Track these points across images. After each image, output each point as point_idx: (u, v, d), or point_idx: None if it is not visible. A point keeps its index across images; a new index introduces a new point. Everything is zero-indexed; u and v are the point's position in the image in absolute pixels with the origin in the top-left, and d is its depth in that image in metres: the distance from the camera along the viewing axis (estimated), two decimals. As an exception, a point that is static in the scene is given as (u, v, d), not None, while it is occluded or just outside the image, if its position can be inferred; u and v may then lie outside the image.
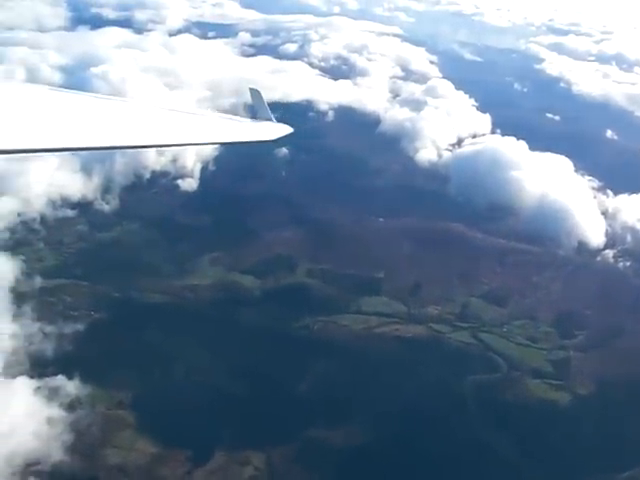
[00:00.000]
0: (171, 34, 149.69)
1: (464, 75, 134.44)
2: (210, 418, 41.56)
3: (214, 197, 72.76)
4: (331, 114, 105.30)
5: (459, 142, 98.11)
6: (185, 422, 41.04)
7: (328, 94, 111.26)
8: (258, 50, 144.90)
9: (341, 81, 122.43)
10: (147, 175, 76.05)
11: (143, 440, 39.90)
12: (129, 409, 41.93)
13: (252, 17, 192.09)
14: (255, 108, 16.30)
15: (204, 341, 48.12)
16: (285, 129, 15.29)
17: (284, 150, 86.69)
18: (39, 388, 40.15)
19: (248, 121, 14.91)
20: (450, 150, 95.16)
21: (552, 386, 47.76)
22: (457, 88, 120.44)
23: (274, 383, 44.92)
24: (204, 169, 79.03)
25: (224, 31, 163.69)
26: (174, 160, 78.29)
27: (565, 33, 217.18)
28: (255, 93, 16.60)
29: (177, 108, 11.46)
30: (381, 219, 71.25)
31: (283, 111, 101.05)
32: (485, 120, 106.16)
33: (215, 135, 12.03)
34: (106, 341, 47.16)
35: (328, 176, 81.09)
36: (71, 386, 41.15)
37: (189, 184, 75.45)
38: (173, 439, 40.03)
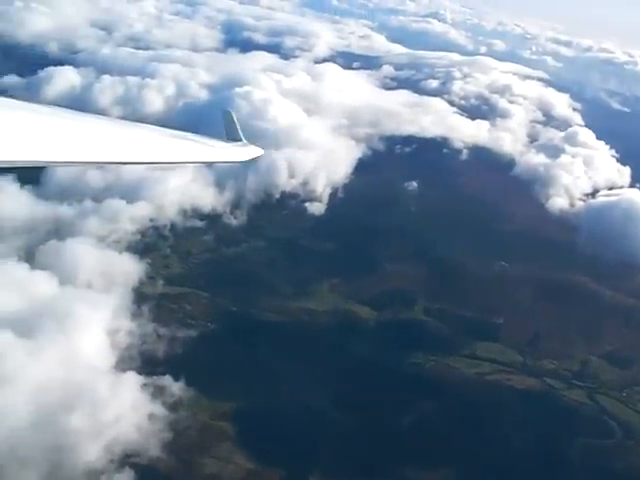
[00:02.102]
0: (316, 62, 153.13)
1: (608, 124, 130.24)
2: (309, 442, 41.60)
3: (340, 224, 73.15)
4: (465, 153, 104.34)
5: (594, 193, 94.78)
6: (284, 442, 41.17)
7: (464, 133, 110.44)
8: (399, 84, 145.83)
9: (479, 121, 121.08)
10: (277, 195, 77.76)
11: (241, 454, 40.32)
12: (231, 421, 42.57)
13: (397, 51, 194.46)
14: (227, 129, 16.14)
15: (314, 365, 48.36)
16: (256, 151, 15.10)
17: (414, 184, 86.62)
18: (145, 385, 41.49)
19: (221, 142, 14.72)
20: (584, 200, 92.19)
21: (670, 460, 44.84)
22: (599, 137, 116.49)
23: (377, 416, 44.50)
24: (333, 195, 79.94)
25: (368, 63, 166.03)
26: (304, 183, 79.73)
27: None
28: (226, 114, 16.53)
29: (150, 126, 11.32)
30: (505, 264, 69.56)
31: (417, 145, 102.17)
32: (625, 173, 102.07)
33: (186, 155, 11.88)
34: (217, 351, 48.28)
35: (456, 215, 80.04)
36: (176, 387, 42.33)
37: (317, 208, 76.46)
38: (270, 457, 40.23)
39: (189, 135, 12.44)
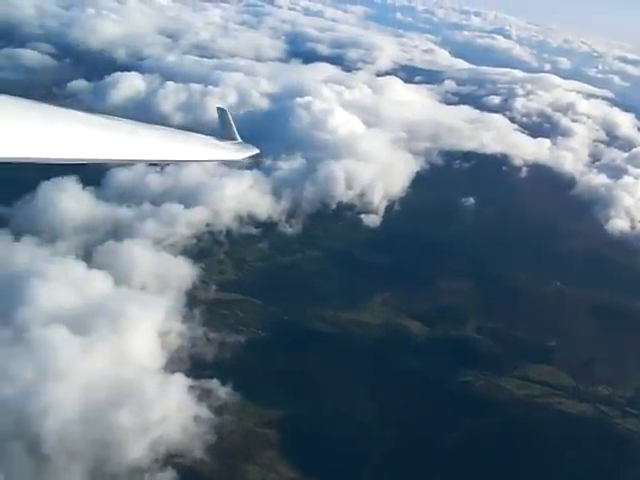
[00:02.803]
0: (378, 74, 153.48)
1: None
2: (352, 454, 41.31)
3: (395, 237, 72.91)
4: (525, 171, 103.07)
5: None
6: (327, 453, 40.97)
7: (525, 150, 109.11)
8: (461, 99, 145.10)
9: (540, 139, 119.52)
10: (333, 205, 77.95)
11: (284, 463, 40.22)
12: (276, 429, 42.59)
13: (460, 66, 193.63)
14: (221, 128, 15.87)
15: (361, 378, 48.15)
16: (251, 150, 14.74)
17: (471, 200, 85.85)
18: (192, 387, 41.88)
19: (216, 141, 14.38)
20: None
21: None
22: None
23: (424, 432, 44.00)
24: (389, 208, 79.74)
25: (430, 77, 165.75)
26: (361, 195, 79.79)
27: None
28: (221, 112, 16.26)
29: (145, 124, 11.16)
30: (561, 284, 68.33)
31: (476, 161, 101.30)
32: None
33: (181, 153, 11.67)
34: (266, 359, 48.49)
35: (513, 232, 79.00)
36: (223, 392, 42.69)
37: (373, 220, 76.30)
38: (313, 468, 40.01)
39: (184, 133, 12.35)
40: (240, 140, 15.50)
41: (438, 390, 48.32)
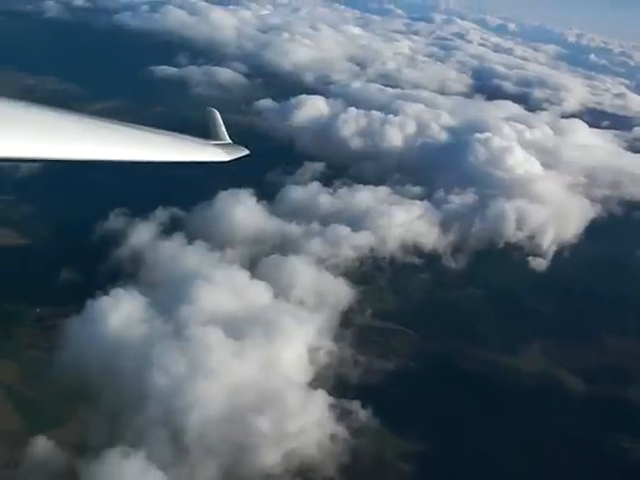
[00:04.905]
0: (563, 116, 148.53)
1: None
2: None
3: (562, 284, 69.71)
4: None
5: None
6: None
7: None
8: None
9: None
10: (500, 244, 75.94)
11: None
12: (411, 462, 41.98)
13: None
14: (211, 129, 15.24)
15: (509, 425, 46.36)
16: (241, 151, 13.83)
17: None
18: (333, 406, 42.28)
19: (204, 141, 13.67)
20: None
21: None
22: None
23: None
24: (558, 253, 76.51)
25: (619, 122, 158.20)
26: (531, 237, 77.26)
27: None
28: (210, 113, 15.83)
29: (128, 124, 10.74)
30: None
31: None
32: None
33: (166, 153, 11.10)
34: (412, 390, 48.05)
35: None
36: (363, 415, 42.78)
37: (540, 264, 73.52)
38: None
39: (171, 134, 12.19)
40: (229, 141, 15.12)
41: (591, 453, 45.50)
